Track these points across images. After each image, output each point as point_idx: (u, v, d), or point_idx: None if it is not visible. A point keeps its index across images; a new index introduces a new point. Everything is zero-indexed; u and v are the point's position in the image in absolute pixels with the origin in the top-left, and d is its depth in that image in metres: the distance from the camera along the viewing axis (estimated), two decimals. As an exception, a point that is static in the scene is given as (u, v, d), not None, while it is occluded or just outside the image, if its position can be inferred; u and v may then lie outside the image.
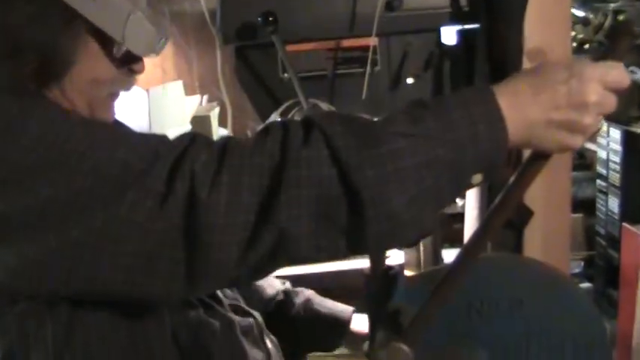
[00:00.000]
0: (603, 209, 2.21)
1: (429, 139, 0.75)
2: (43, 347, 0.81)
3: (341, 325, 1.26)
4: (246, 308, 1.07)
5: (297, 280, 1.50)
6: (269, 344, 1.09)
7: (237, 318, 1.01)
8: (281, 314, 1.26)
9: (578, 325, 0.99)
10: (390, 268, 1.00)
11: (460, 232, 1.59)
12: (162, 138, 0.79)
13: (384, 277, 0.99)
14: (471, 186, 0.79)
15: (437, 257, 1.68)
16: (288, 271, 1.50)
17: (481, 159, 0.76)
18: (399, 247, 0.91)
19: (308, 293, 1.30)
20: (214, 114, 2.23)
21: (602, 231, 2.23)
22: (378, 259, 1.00)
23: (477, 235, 0.87)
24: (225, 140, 0.78)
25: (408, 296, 0.99)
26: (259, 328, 1.08)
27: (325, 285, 1.58)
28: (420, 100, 0.79)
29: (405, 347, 0.90)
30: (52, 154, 0.74)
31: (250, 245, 0.74)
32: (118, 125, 0.93)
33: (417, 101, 0.79)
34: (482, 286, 0.97)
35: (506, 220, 0.86)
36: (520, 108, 0.77)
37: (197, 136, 0.78)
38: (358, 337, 1.24)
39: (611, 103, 0.78)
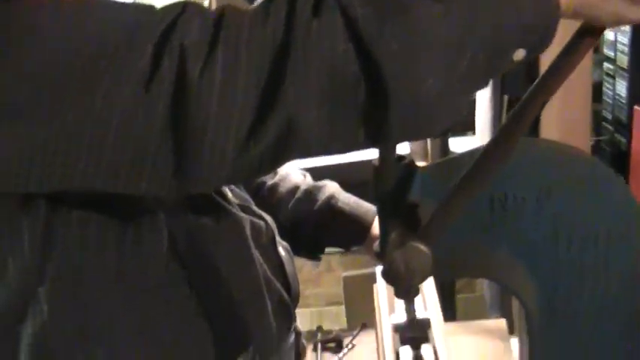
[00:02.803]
0: (610, 93, 2.10)
1: (464, 7, 0.61)
2: (19, 253, 0.71)
3: (362, 228, 1.17)
4: (257, 210, 0.97)
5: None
6: (281, 251, 0.99)
7: (246, 217, 0.91)
8: (302, 210, 1.16)
9: (613, 215, 0.89)
10: (402, 157, 0.89)
11: (470, 118, 1.48)
12: (148, 8, 0.65)
13: (395, 168, 0.88)
14: (511, 64, 0.66)
15: (445, 147, 1.57)
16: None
17: (526, 32, 0.63)
18: (426, 136, 0.79)
19: (332, 189, 1.20)
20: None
21: (609, 116, 2.12)
22: (388, 148, 0.89)
23: (516, 120, 0.75)
24: (221, 10, 0.63)
25: (424, 189, 0.89)
26: (270, 232, 0.97)
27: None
28: None
29: (423, 247, 0.81)
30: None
31: (251, 135, 0.61)
32: None
33: None
34: (506, 176, 0.87)
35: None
36: None
37: (188, 5, 0.64)
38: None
39: None
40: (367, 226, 1.17)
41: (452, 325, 1.12)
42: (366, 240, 1.18)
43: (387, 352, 1.02)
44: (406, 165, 0.89)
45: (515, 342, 1.19)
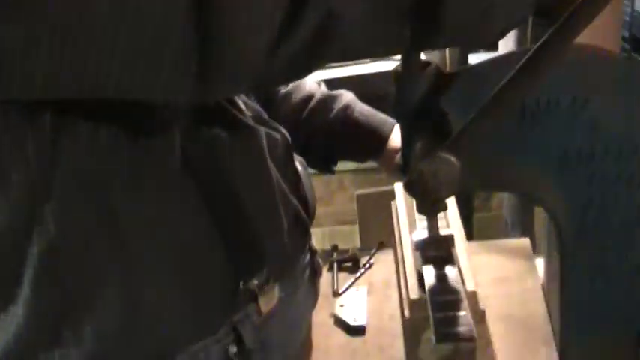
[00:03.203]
0: (628, 10, 1.99)
1: None
2: (23, 166, 0.65)
3: (379, 139, 1.10)
4: (271, 122, 0.90)
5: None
6: (297, 165, 0.93)
7: (261, 129, 0.84)
8: (315, 120, 1.09)
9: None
10: (427, 63, 0.82)
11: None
12: None
13: (420, 76, 0.81)
14: None
15: (464, 59, 1.49)
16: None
17: None
18: (481, 39, 0.70)
19: (348, 98, 1.13)
20: None
21: (625, 34, 2.01)
22: (412, 53, 0.81)
23: (570, 24, 0.67)
24: None
25: (451, 98, 0.82)
26: (286, 145, 0.91)
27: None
28: None
29: (452, 158, 0.75)
30: None
31: (286, 27, 0.54)
32: None
33: None
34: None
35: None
36: None
37: None
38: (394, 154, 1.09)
39: None
40: (384, 138, 1.11)
41: (473, 244, 1.07)
42: (383, 154, 1.11)
43: (408, 271, 0.97)
44: (432, 72, 0.81)
45: (539, 262, 1.14)
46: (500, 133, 0.82)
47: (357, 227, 1.99)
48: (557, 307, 0.94)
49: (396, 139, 1.10)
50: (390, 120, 1.12)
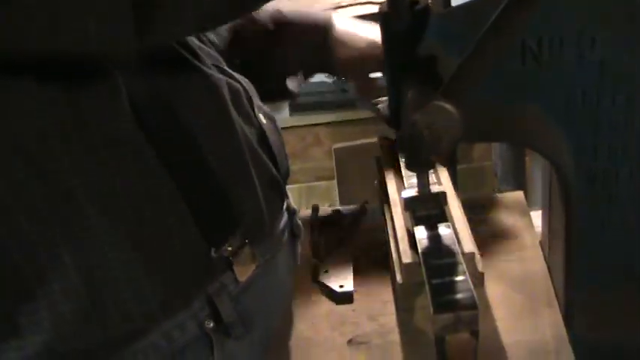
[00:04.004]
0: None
1: None
2: None
3: (319, 30, 0.99)
4: (231, 71, 0.80)
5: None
6: (262, 119, 0.83)
7: (222, 78, 0.75)
8: (244, 34, 0.98)
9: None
10: (416, 2, 0.73)
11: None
12: None
13: (409, 14, 0.72)
14: None
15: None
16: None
17: None
18: None
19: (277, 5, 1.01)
20: None
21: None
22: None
23: None
24: None
25: (443, 37, 0.74)
26: (249, 98, 0.82)
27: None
28: None
29: (448, 106, 0.66)
30: None
31: None
32: None
33: None
34: (539, 19, 0.72)
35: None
36: None
37: None
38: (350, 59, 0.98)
39: None
40: (324, 26, 0.99)
41: (467, 199, 0.99)
42: (331, 54, 1.00)
43: (398, 233, 0.89)
44: (421, 10, 0.73)
45: (534, 215, 1.07)
46: (499, 78, 0.74)
47: (334, 182, 1.91)
48: (561, 263, 0.87)
49: (341, 34, 1.00)
50: (326, 12, 1.01)
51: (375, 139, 1.74)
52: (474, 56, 0.66)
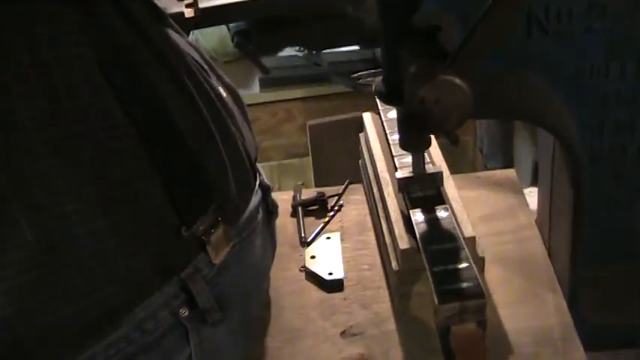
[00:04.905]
0: None
1: None
2: None
3: None
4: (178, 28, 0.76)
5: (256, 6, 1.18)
6: (222, 91, 0.78)
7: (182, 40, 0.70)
8: None
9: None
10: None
11: None
12: None
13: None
14: None
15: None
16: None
17: None
18: None
19: None
20: None
21: None
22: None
23: None
24: None
25: (444, 4, 0.68)
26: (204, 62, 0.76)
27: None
28: None
29: (457, 80, 0.61)
30: None
31: None
32: None
33: None
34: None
35: None
36: None
37: None
38: None
39: None
40: None
41: (457, 178, 0.94)
42: None
43: (392, 216, 0.84)
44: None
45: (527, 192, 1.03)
46: (506, 49, 0.69)
47: (307, 159, 1.85)
48: (565, 242, 0.83)
49: None
50: None
51: (350, 115, 1.70)
52: (481, 27, 0.61)
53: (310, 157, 1.76)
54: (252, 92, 1.97)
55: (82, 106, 0.59)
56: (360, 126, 1.06)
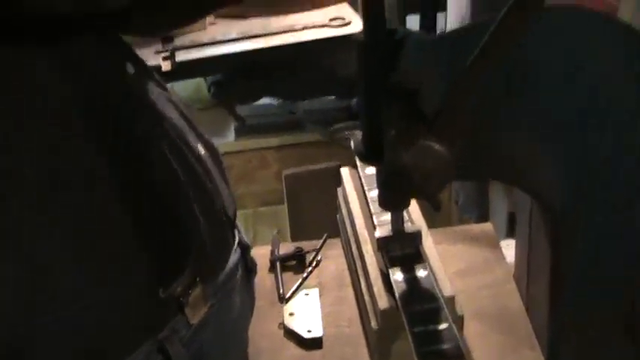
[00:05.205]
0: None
1: None
2: None
3: None
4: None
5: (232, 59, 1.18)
6: (200, 149, 0.78)
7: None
8: None
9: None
10: (395, 31, 0.68)
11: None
12: None
13: (388, 44, 0.67)
14: None
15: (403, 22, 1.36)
16: (219, 50, 1.19)
17: None
18: None
19: None
20: None
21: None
22: (376, 12, 0.67)
23: None
24: None
25: (423, 67, 0.69)
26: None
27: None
28: None
29: (438, 146, 0.61)
30: None
31: None
32: None
33: None
34: (525, 49, 0.67)
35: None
36: None
37: None
38: None
39: None
40: None
41: (434, 232, 0.94)
42: None
43: (371, 274, 0.83)
44: (400, 39, 0.68)
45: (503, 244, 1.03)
46: (485, 109, 0.69)
47: (282, 207, 1.85)
48: (544, 299, 0.83)
49: None
50: None
51: (325, 165, 1.70)
52: (459, 89, 0.61)
53: (286, 206, 1.75)
54: (228, 140, 1.97)
55: (62, 164, 0.59)
56: (336, 177, 1.06)
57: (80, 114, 0.60)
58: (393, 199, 0.73)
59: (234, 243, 0.80)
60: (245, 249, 0.83)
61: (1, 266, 0.56)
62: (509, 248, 1.05)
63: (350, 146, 0.76)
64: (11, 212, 0.56)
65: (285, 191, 1.72)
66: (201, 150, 0.78)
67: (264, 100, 1.86)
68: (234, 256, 0.79)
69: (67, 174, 0.59)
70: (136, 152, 0.65)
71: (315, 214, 1.52)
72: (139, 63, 0.72)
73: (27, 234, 0.57)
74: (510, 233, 1.41)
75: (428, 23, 1.72)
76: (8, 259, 0.57)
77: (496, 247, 1.01)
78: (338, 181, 1.06)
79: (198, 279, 0.69)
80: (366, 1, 0.65)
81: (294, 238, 1.67)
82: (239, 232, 0.83)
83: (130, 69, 0.68)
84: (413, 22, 1.63)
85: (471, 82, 0.61)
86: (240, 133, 1.97)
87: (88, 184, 0.61)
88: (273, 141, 1.93)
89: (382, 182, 0.71)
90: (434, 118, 0.62)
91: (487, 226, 1.06)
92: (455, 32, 0.70)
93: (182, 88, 2.04)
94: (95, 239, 0.61)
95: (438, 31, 2.24)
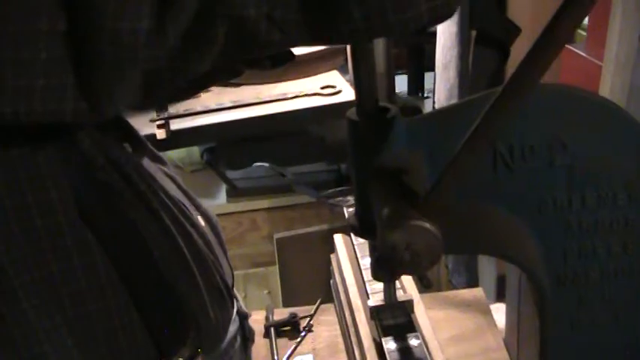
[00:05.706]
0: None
1: None
2: None
3: None
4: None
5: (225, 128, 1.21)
6: (201, 221, 0.80)
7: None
8: None
9: (637, 171, 0.74)
10: (386, 108, 0.71)
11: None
12: None
13: (380, 123, 0.70)
14: None
15: (391, 85, 1.38)
16: (213, 119, 1.22)
17: None
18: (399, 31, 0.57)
19: None
20: None
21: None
22: (368, 92, 0.70)
23: (533, 61, 0.57)
24: None
25: (413, 146, 0.71)
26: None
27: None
28: None
29: (427, 225, 0.63)
30: None
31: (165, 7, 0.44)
32: None
33: None
34: (510, 128, 0.70)
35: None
36: None
37: None
38: None
39: None
40: None
41: (426, 298, 0.96)
42: None
43: (365, 344, 0.85)
44: (391, 118, 0.70)
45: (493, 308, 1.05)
46: (472, 187, 0.72)
47: (273, 269, 1.86)
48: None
49: None
50: None
51: (316, 228, 1.72)
52: (449, 172, 0.64)
53: (277, 269, 1.76)
54: (219, 202, 1.99)
55: (61, 246, 0.60)
56: (327, 240, 1.08)
57: (77, 203, 0.61)
58: (384, 274, 0.75)
59: (233, 312, 0.81)
60: (243, 318, 0.84)
61: None
62: (498, 312, 1.07)
63: (340, 211, 0.78)
64: None
65: (276, 254, 1.74)
66: (201, 222, 0.80)
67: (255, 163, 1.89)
68: (234, 326, 0.81)
69: (64, 254, 0.61)
70: (138, 231, 0.67)
71: (306, 277, 1.53)
72: (137, 140, 0.74)
73: (24, 323, 0.59)
74: (499, 297, 1.42)
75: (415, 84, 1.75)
76: None
77: (487, 313, 1.03)
78: (329, 244, 1.08)
79: (199, 350, 0.71)
80: (358, 78, 0.67)
81: (285, 301, 1.68)
82: (237, 300, 0.84)
83: (129, 148, 0.70)
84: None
85: (464, 162, 0.64)
86: (231, 195, 1.99)
87: (87, 266, 0.62)
88: (264, 203, 1.96)
89: (375, 259, 0.73)
90: (424, 198, 0.65)
91: (478, 292, 1.08)
92: (442, 112, 0.73)
93: (175, 150, 2.06)
94: (96, 317, 0.62)
95: (425, 92, 2.29)
